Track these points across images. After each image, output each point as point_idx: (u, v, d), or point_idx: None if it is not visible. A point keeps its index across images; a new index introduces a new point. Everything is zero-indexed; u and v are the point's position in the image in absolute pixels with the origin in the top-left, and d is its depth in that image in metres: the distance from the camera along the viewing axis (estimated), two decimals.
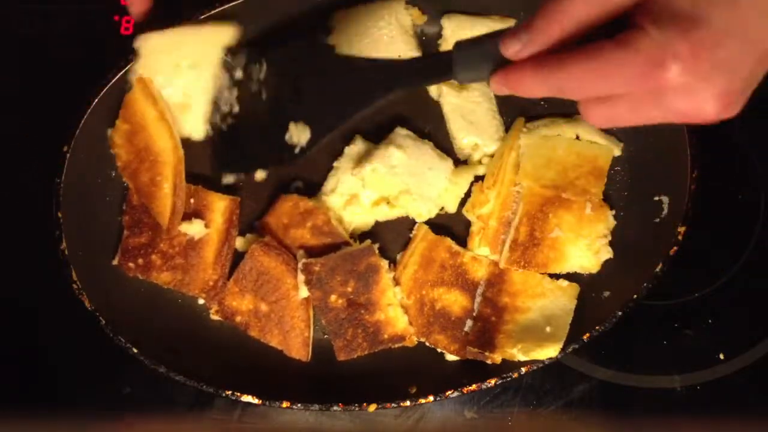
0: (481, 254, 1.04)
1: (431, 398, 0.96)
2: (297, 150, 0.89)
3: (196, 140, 1.03)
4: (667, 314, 1.07)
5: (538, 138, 1.05)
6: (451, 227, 1.08)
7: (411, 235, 1.07)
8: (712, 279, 1.08)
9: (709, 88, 0.60)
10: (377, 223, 1.08)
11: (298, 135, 0.89)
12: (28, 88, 1.19)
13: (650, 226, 1.01)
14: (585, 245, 1.01)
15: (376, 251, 0.99)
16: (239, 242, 1.07)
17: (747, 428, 1.03)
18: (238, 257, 1.05)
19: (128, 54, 1.02)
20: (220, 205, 1.05)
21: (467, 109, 1.08)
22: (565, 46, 0.64)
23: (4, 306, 1.10)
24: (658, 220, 1.01)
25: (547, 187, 1.01)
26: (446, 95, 1.09)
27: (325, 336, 1.03)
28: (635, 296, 0.95)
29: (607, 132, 1.07)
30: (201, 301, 1.06)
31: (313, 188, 1.08)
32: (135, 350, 0.97)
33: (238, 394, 0.96)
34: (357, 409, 0.96)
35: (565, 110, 1.09)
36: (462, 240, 1.06)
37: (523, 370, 0.96)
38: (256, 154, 0.95)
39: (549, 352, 0.95)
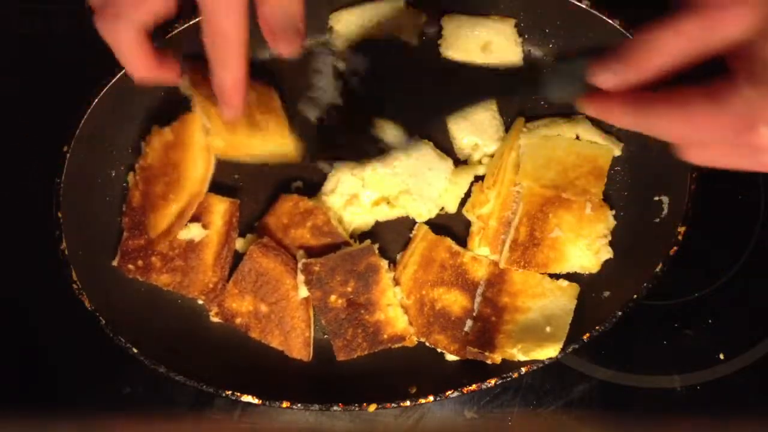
0: (481, 254, 1.04)
1: (431, 398, 0.96)
2: (384, 146, 0.87)
3: None
4: (667, 314, 1.07)
5: (538, 138, 1.05)
6: (451, 227, 1.08)
7: (411, 235, 1.07)
8: (712, 279, 1.08)
9: None
10: (377, 223, 1.08)
11: (388, 133, 0.86)
12: (28, 88, 1.19)
13: (650, 226, 1.01)
14: (585, 245, 1.01)
15: (376, 251, 0.99)
16: (239, 243, 1.07)
17: (747, 428, 1.03)
18: (237, 259, 1.05)
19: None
20: (219, 208, 1.05)
21: (467, 109, 1.08)
22: (657, 81, 0.62)
23: (4, 306, 1.10)
24: (658, 220, 1.01)
25: (547, 187, 1.01)
26: None
27: (325, 336, 1.03)
28: (635, 296, 0.96)
29: (607, 132, 1.07)
30: (201, 302, 1.06)
31: (313, 188, 1.08)
32: (135, 350, 0.97)
33: (238, 394, 0.96)
34: (357, 409, 0.96)
35: (565, 110, 1.09)
36: (462, 240, 1.06)
37: (523, 370, 0.96)
38: (347, 145, 0.91)
39: (549, 352, 0.95)
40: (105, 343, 0.98)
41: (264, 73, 1.08)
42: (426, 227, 1.05)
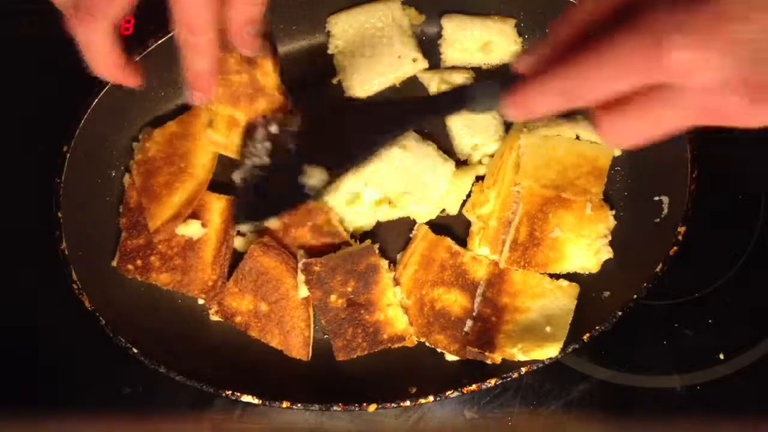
0: (481, 254, 1.04)
1: (431, 398, 0.96)
2: (311, 192, 0.88)
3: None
4: (667, 314, 1.07)
5: (538, 138, 1.05)
6: (451, 227, 1.08)
7: (411, 235, 1.07)
8: (712, 279, 1.08)
9: (731, 68, 0.49)
10: (377, 223, 1.08)
11: (315, 177, 0.88)
12: (28, 88, 1.19)
13: (650, 226, 1.01)
14: (585, 245, 1.01)
15: (377, 251, 0.99)
16: (239, 242, 1.07)
17: (747, 428, 1.03)
18: (237, 257, 1.05)
19: (128, 54, 1.02)
20: (217, 206, 1.05)
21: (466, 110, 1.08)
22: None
23: (4, 306, 1.10)
24: (658, 220, 1.01)
25: (547, 187, 1.01)
26: None
27: (325, 336, 1.03)
28: (635, 296, 0.95)
29: None
30: (201, 302, 1.06)
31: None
32: (135, 350, 0.97)
33: (238, 394, 0.96)
34: (357, 409, 0.96)
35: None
36: (462, 240, 1.06)
37: (523, 370, 0.96)
38: (276, 201, 0.93)
39: (549, 352, 0.95)
40: (105, 343, 0.98)
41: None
42: (426, 227, 1.05)
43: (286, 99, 1.09)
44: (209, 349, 1.04)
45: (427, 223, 1.06)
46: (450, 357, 1.02)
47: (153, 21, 1.05)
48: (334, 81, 1.12)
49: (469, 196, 1.07)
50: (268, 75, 1.06)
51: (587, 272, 1.02)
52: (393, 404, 0.96)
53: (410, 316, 1.01)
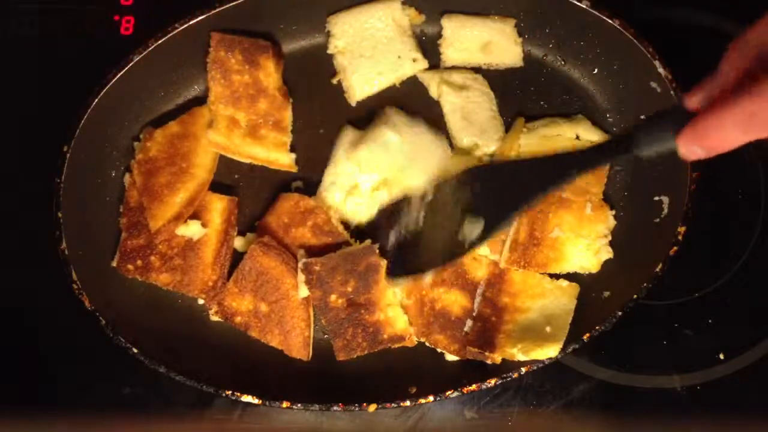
0: (481, 254, 1.03)
1: (431, 398, 0.96)
2: (467, 244, 0.93)
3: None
4: (667, 314, 1.07)
5: (538, 138, 1.05)
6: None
7: None
8: (712, 279, 1.08)
9: None
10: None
11: (471, 230, 0.92)
12: (28, 88, 1.19)
13: (650, 226, 1.01)
14: (585, 245, 1.01)
15: (377, 251, 0.99)
16: (239, 242, 1.07)
17: (747, 428, 1.03)
18: (237, 257, 1.05)
19: (129, 54, 1.02)
20: (218, 206, 1.05)
21: (467, 109, 1.08)
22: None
23: (4, 306, 1.10)
24: (658, 220, 1.01)
25: None
26: (446, 95, 1.09)
27: (325, 336, 1.03)
28: (635, 296, 0.95)
29: (607, 132, 1.08)
30: (201, 301, 1.06)
31: (312, 187, 1.08)
32: (135, 350, 0.97)
33: (238, 394, 0.96)
34: (357, 409, 0.96)
35: (565, 110, 1.09)
36: None
37: (523, 370, 0.96)
38: (432, 256, 0.97)
39: (549, 352, 0.95)
40: (105, 343, 0.98)
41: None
42: None
43: (287, 100, 1.10)
44: (209, 349, 1.04)
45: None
46: (450, 357, 1.01)
47: (153, 21, 1.06)
48: (334, 81, 1.12)
49: None
50: (270, 76, 1.07)
51: (587, 272, 1.02)
52: (393, 404, 0.96)
53: (410, 316, 1.01)
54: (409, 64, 1.10)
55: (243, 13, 1.06)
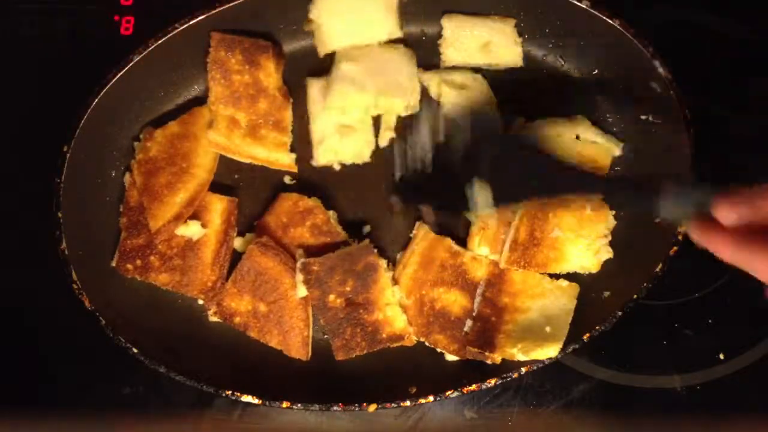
0: (481, 254, 1.03)
1: (431, 398, 0.96)
2: (472, 206, 0.94)
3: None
4: (667, 314, 1.07)
5: (538, 138, 1.05)
6: (452, 227, 1.08)
7: (411, 235, 1.07)
8: (712, 279, 1.08)
9: None
10: (377, 223, 1.08)
11: (480, 193, 0.93)
12: (28, 88, 1.19)
13: (650, 226, 1.01)
14: (585, 245, 1.01)
15: (375, 251, 0.99)
16: (238, 243, 1.07)
17: (747, 428, 1.03)
18: (237, 258, 1.05)
19: (129, 54, 1.03)
20: (217, 206, 1.05)
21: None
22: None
23: (4, 306, 1.10)
24: (658, 220, 1.01)
25: None
26: (446, 95, 1.09)
27: (325, 336, 1.03)
28: (635, 296, 0.95)
29: (607, 132, 1.07)
30: (200, 302, 1.06)
31: (312, 187, 1.08)
32: (135, 350, 0.97)
33: (238, 394, 0.96)
34: (357, 409, 0.96)
35: (565, 110, 1.09)
36: (462, 240, 1.06)
37: (523, 370, 0.96)
38: (437, 194, 0.99)
39: (549, 352, 0.95)
40: (105, 343, 0.98)
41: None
42: (426, 227, 1.05)
43: (287, 100, 1.10)
44: (209, 349, 1.04)
45: (426, 224, 1.06)
46: (450, 357, 1.01)
47: (153, 21, 1.06)
48: (305, 29, 1.11)
49: None
50: (270, 76, 1.07)
51: (587, 272, 1.02)
52: (393, 404, 0.96)
53: (410, 316, 1.01)
54: (384, 27, 1.08)
55: (243, 13, 1.06)
